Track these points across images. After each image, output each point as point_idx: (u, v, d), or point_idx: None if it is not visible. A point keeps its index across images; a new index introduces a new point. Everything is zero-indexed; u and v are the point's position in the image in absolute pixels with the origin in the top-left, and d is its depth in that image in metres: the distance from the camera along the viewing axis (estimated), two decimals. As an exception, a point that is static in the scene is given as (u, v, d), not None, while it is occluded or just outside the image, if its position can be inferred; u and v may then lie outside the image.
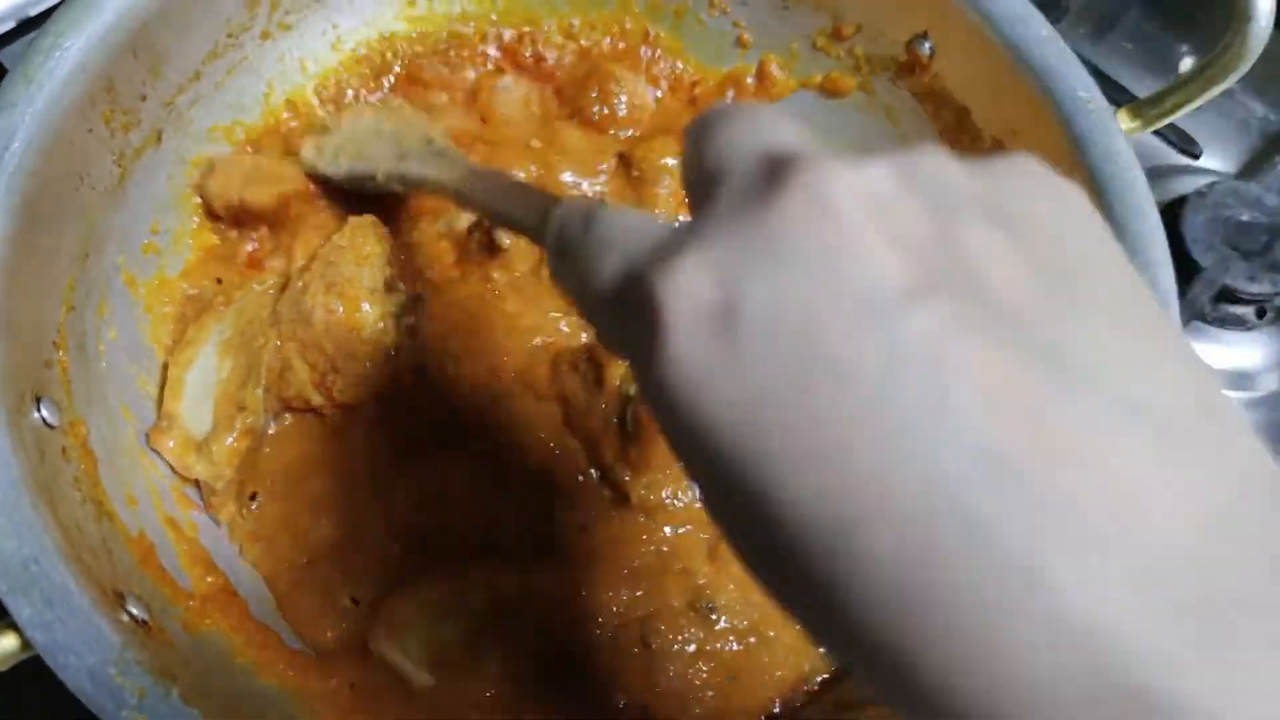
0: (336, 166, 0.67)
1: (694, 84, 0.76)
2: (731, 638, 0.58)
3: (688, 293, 0.24)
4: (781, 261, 0.23)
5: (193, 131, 0.66)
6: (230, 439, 0.58)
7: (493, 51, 0.76)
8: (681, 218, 0.72)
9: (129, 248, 0.62)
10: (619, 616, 0.58)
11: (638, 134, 0.75)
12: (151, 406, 0.62)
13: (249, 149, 0.69)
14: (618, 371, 0.62)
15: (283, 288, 0.63)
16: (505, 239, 0.65)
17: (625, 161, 0.72)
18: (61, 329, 0.55)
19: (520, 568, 0.59)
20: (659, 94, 0.76)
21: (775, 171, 0.25)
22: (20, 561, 0.44)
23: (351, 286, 0.60)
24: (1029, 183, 0.26)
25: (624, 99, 0.74)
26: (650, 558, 0.60)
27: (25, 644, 0.44)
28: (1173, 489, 0.21)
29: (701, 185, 0.28)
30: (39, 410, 0.51)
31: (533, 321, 0.66)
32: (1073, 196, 0.26)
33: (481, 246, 0.66)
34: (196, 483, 0.60)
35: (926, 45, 0.67)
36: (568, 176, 0.72)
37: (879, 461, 0.21)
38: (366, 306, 0.61)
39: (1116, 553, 0.20)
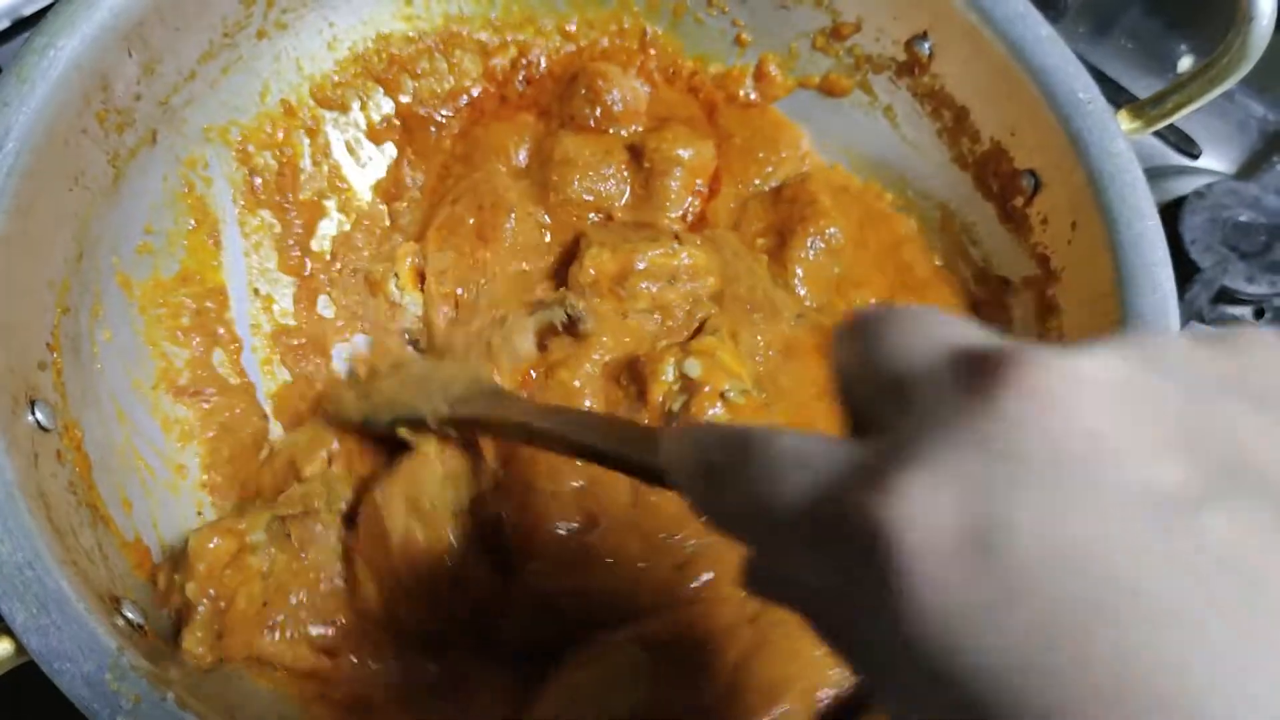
0: (384, 418, 0.62)
1: (692, 74, 0.76)
2: None
3: (926, 523, 0.21)
4: (1030, 473, 0.21)
5: (187, 131, 0.65)
6: (214, 539, 0.55)
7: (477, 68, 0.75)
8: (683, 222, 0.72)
9: (123, 248, 0.62)
10: None
11: (641, 128, 0.74)
12: (147, 408, 0.61)
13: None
14: (660, 388, 0.60)
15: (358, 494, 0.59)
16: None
17: (635, 155, 0.72)
18: (55, 331, 0.55)
19: None
20: (648, 89, 0.76)
21: (982, 370, 0.22)
22: (15, 566, 0.44)
23: (436, 512, 0.56)
24: (1274, 356, 0.23)
25: (616, 94, 0.73)
26: None
27: (20, 649, 0.43)
28: None
29: (883, 396, 0.26)
30: (34, 413, 0.50)
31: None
32: None
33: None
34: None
35: (926, 45, 0.66)
36: (576, 184, 0.71)
37: (1213, 692, 0.18)
38: (451, 537, 0.56)
39: None
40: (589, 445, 0.45)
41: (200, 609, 0.53)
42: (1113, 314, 0.55)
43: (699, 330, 0.64)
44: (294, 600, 0.56)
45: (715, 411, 0.59)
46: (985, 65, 0.63)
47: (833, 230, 0.69)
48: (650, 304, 0.65)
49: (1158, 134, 0.87)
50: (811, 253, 0.69)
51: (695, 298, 0.65)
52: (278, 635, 0.55)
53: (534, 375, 0.64)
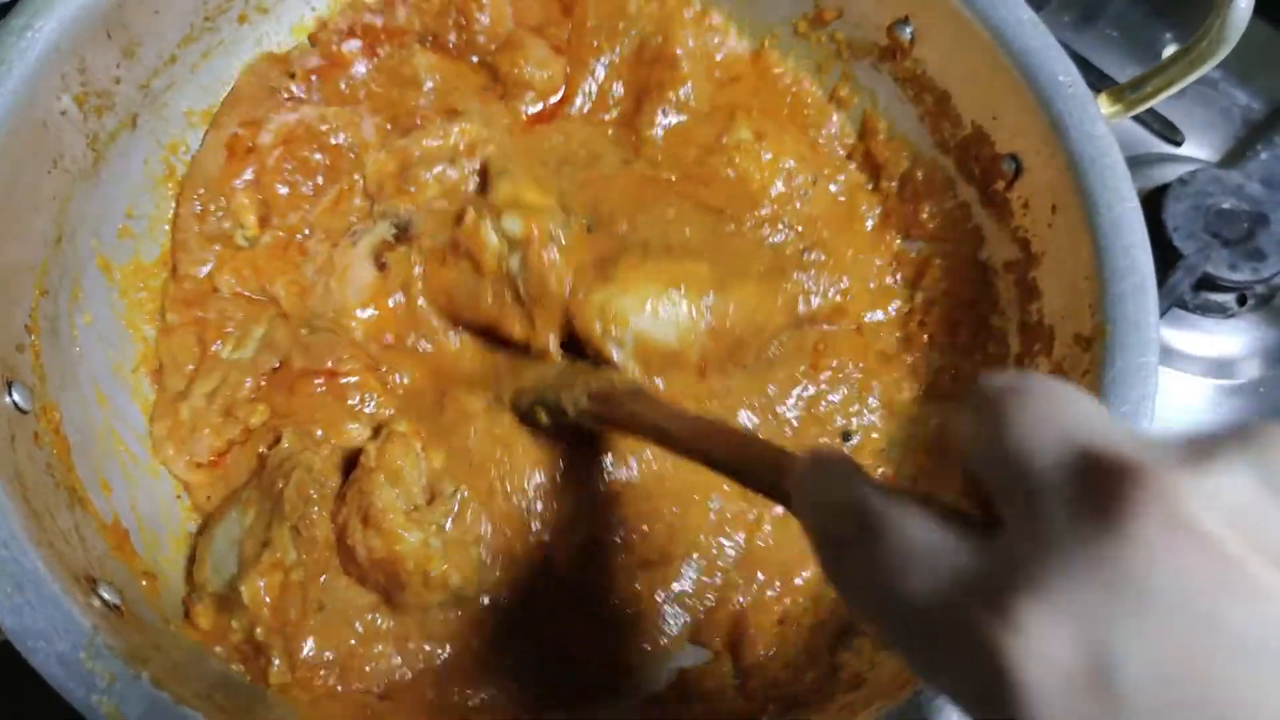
0: (527, 400, 0.63)
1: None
2: None
3: (1048, 658, 0.21)
4: (1153, 607, 0.21)
5: (168, 115, 0.65)
6: (260, 581, 0.54)
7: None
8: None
9: (103, 232, 0.61)
10: None
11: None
12: (128, 393, 0.61)
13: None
14: (491, 256, 0.62)
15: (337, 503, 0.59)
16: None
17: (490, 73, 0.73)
18: (34, 313, 0.54)
19: None
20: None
21: (1110, 484, 0.22)
22: (-11, 546, 0.44)
23: (386, 517, 0.56)
24: None
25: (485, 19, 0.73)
26: None
27: (-6, 628, 0.43)
28: None
29: (1008, 486, 0.25)
30: (10, 394, 0.50)
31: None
32: None
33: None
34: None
35: (908, 30, 0.66)
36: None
37: None
38: (406, 535, 0.56)
39: None
40: (719, 459, 0.46)
41: (274, 649, 0.54)
42: (1092, 295, 0.55)
43: (484, 180, 0.66)
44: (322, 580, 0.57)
45: (552, 257, 0.61)
46: (967, 49, 0.63)
47: (686, 90, 0.71)
48: (439, 190, 0.67)
49: (1141, 121, 0.87)
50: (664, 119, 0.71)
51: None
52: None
53: (393, 305, 0.65)
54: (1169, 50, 0.92)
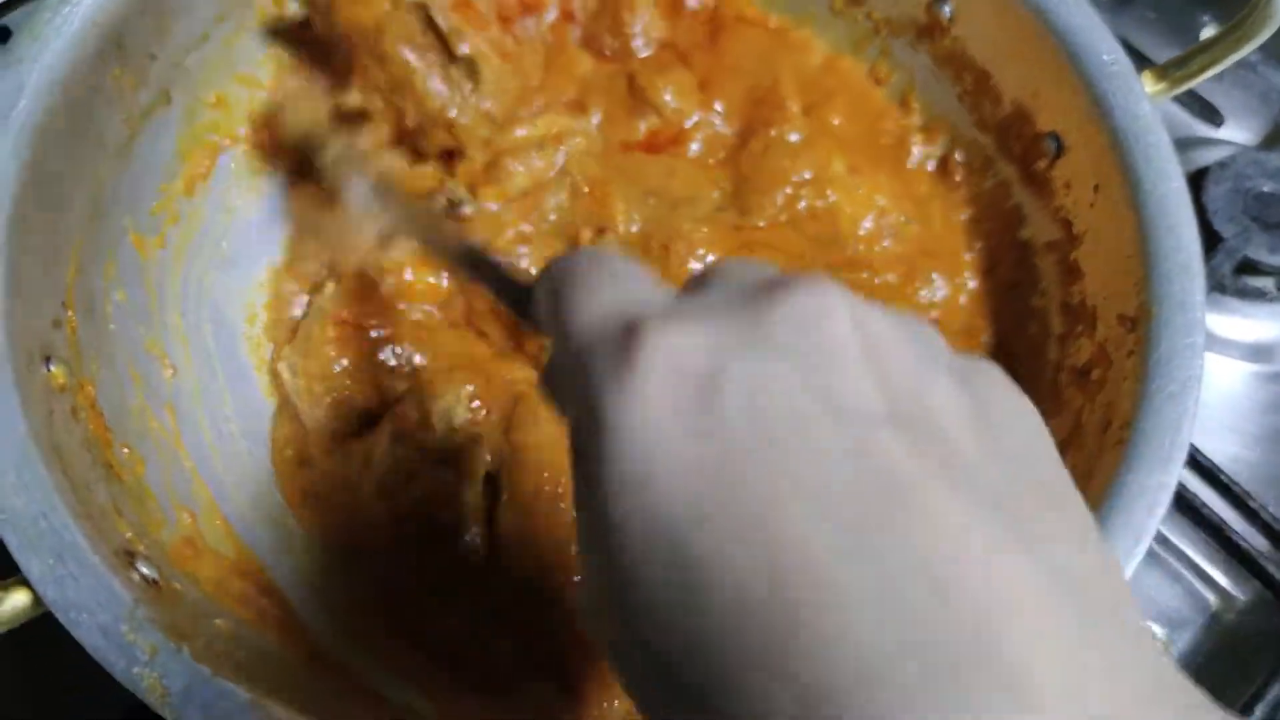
0: None
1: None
2: None
3: (679, 353, 0.25)
4: (773, 352, 0.25)
5: (200, 93, 0.65)
6: None
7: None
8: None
9: (137, 209, 0.61)
10: None
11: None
12: (159, 369, 0.61)
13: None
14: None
15: None
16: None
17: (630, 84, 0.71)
18: (70, 289, 0.54)
19: None
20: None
21: (782, 278, 0.27)
22: (30, 518, 0.44)
23: None
24: (998, 377, 0.27)
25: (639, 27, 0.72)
26: None
27: (37, 600, 0.43)
28: (1092, 670, 0.21)
29: (700, 278, 0.30)
30: (48, 369, 0.50)
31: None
32: (1029, 405, 0.27)
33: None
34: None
35: (947, 7, 0.65)
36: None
37: (827, 553, 0.21)
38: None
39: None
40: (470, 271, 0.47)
41: None
42: (1136, 275, 0.54)
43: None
44: None
45: None
46: (1008, 26, 0.62)
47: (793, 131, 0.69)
48: (529, 180, 0.66)
49: (1180, 103, 0.86)
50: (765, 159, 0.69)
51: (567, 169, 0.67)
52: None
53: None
54: (1207, 32, 0.91)
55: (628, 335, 0.26)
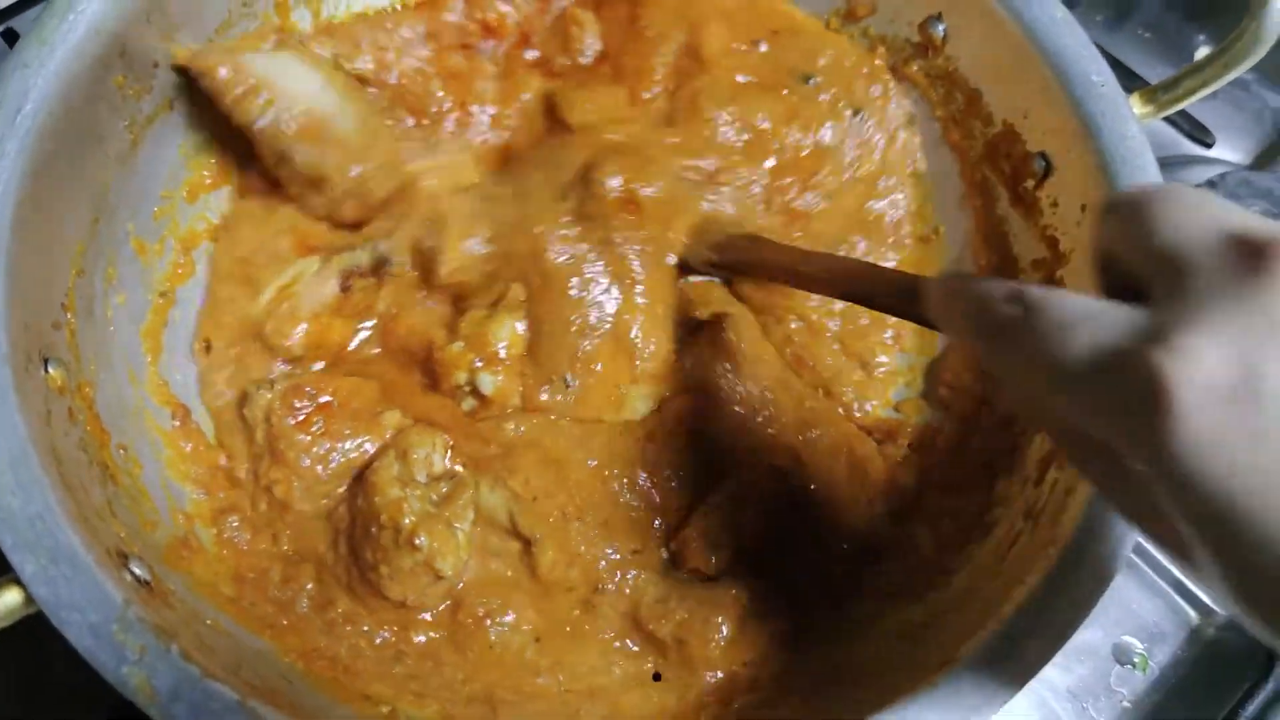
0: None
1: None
2: None
3: (1202, 374, 0.27)
4: None
5: (204, 101, 0.65)
6: None
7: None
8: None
9: (139, 214, 0.62)
10: None
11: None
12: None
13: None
14: (453, 381, 0.63)
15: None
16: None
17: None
18: (70, 292, 0.55)
19: None
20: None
21: (1258, 254, 0.28)
22: (26, 518, 0.45)
23: (377, 475, 0.59)
24: None
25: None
26: None
27: (29, 599, 0.44)
28: None
29: (1156, 269, 0.31)
30: (47, 371, 0.51)
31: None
32: None
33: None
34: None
35: (940, 27, 0.66)
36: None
37: None
38: (390, 489, 0.59)
39: None
40: (852, 288, 0.53)
41: None
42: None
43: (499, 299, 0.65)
44: None
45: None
46: (999, 47, 0.63)
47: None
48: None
49: (1172, 123, 0.87)
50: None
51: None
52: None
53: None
54: (1201, 52, 0.92)
55: (1139, 371, 0.28)
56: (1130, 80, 0.84)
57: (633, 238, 0.64)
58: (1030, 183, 0.62)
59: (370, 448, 0.62)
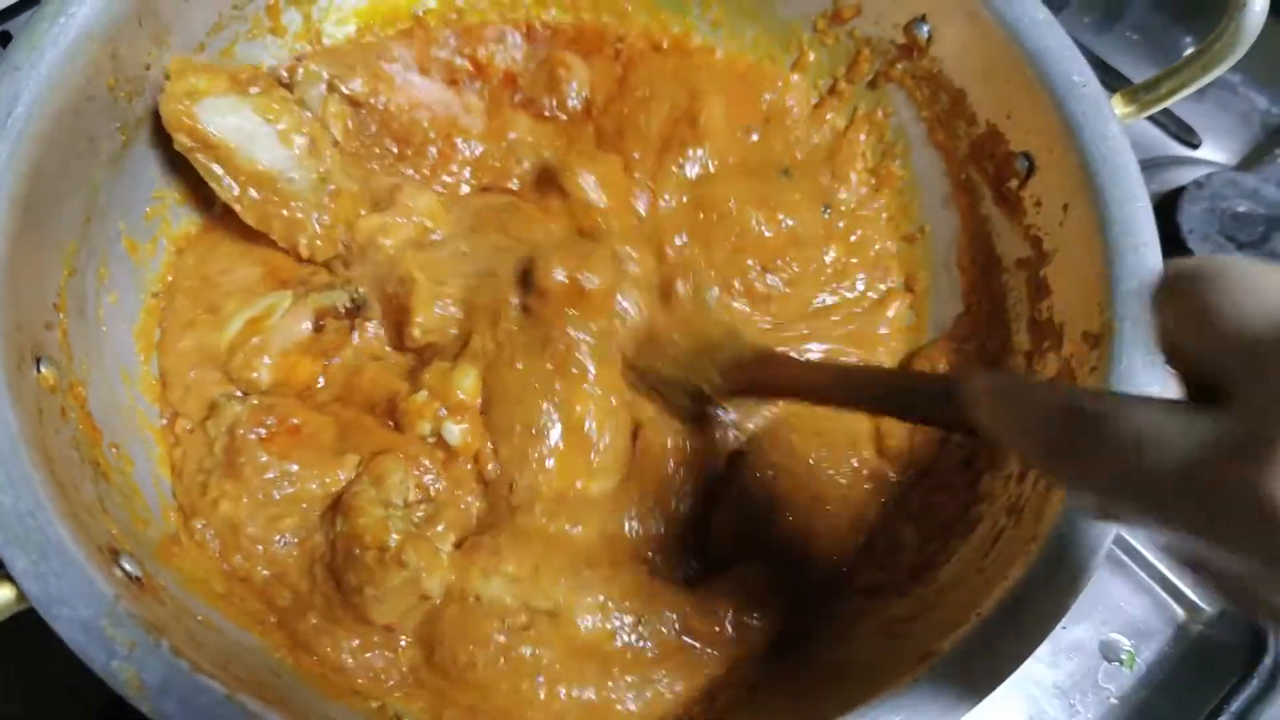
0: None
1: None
2: None
3: None
4: None
5: (196, 102, 0.66)
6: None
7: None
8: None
9: (131, 214, 0.63)
10: None
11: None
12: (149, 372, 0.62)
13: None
14: (417, 433, 0.62)
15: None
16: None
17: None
18: (62, 291, 0.56)
19: None
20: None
21: None
22: (16, 515, 0.45)
23: (355, 500, 0.59)
24: None
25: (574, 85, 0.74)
26: None
27: (20, 595, 0.44)
28: None
29: (1231, 359, 0.28)
30: (39, 370, 0.52)
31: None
32: None
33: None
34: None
35: (925, 28, 0.67)
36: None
37: None
38: (371, 510, 0.58)
39: None
40: (880, 400, 0.47)
41: None
42: (1102, 294, 0.55)
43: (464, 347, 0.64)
44: None
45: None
46: (983, 48, 0.63)
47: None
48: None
49: (1159, 124, 0.88)
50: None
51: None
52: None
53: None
54: (1189, 54, 0.92)
55: (1240, 492, 0.27)
56: (1119, 82, 0.85)
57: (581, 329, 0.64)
58: (1014, 182, 0.63)
59: (315, 486, 0.60)
